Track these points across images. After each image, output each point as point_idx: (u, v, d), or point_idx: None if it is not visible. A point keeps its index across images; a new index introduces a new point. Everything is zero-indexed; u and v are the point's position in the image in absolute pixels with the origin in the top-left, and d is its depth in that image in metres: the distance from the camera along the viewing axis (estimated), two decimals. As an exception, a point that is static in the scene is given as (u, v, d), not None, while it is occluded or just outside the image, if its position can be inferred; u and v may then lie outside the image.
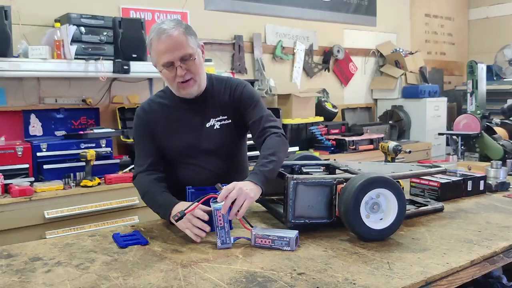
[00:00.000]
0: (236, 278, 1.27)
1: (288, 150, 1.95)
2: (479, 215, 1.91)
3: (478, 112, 3.37)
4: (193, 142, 1.88)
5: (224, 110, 1.91)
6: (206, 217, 1.58)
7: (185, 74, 1.77)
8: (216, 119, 1.90)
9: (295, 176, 1.65)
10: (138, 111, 1.94)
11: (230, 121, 1.91)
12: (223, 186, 1.59)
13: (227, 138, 1.92)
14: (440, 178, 2.23)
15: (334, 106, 5.08)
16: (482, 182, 2.28)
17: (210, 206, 1.55)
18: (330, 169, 2.08)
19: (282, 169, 1.89)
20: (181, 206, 1.66)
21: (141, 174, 1.88)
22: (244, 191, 1.54)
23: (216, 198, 1.54)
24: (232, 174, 1.88)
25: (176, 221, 1.58)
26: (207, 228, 1.58)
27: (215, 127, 1.90)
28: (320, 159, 2.22)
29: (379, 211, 1.60)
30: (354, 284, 1.23)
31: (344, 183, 1.64)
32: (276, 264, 1.38)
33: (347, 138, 4.56)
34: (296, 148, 4.26)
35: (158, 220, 1.90)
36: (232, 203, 1.53)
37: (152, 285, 1.24)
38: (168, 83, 1.85)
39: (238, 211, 1.53)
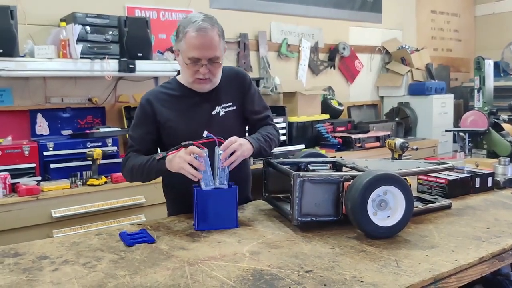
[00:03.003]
0: (243, 276, 1.27)
1: (293, 148, 2.07)
2: (487, 212, 1.89)
3: (486, 108, 3.35)
4: (199, 131, 1.88)
5: (229, 97, 1.96)
6: (203, 154, 1.67)
7: (206, 74, 1.83)
8: (221, 106, 1.95)
9: (301, 173, 1.64)
10: (142, 101, 1.95)
11: (235, 107, 1.97)
12: (209, 135, 1.72)
13: (231, 124, 1.96)
14: (448, 175, 2.22)
15: (340, 104, 5.06)
16: (490, 179, 2.27)
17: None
18: (336, 166, 2.07)
19: (288, 166, 1.89)
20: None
21: (126, 159, 1.93)
22: (242, 148, 1.74)
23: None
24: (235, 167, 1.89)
25: (158, 160, 1.73)
26: (203, 168, 1.67)
27: (220, 114, 1.94)
28: (326, 157, 2.21)
29: (386, 209, 1.59)
30: (361, 281, 1.23)
31: (351, 181, 1.63)
32: (283, 262, 1.37)
33: (353, 136, 4.54)
34: (302, 146, 4.24)
35: (165, 218, 1.91)
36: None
37: (159, 283, 1.23)
38: (186, 74, 1.88)
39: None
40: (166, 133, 1.93)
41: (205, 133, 1.72)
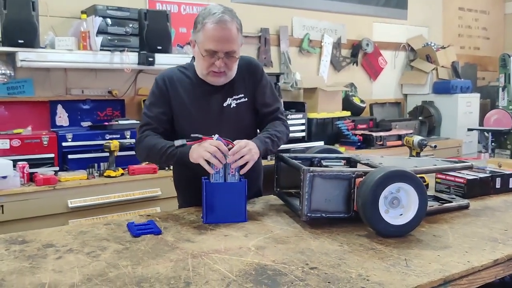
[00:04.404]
0: (245, 271, 1.24)
1: (311, 145, 2.01)
2: (507, 213, 1.82)
3: (510, 107, 3.24)
4: (210, 123, 1.86)
5: (241, 89, 1.92)
6: (227, 152, 1.66)
7: (222, 67, 1.79)
8: (233, 98, 1.90)
9: (311, 168, 1.60)
10: (158, 80, 1.90)
11: (246, 99, 1.92)
12: (218, 138, 1.69)
13: (243, 116, 1.92)
14: (467, 174, 2.14)
15: (362, 101, 4.98)
16: (511, 180, 2.18)
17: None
18: (351, 162, 2.02)
19: (300, 161, 1.85)
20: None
21: (142, 137, 1.86)
22: (252, 152, 1.70)
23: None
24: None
25: (177, 147, 1.68)
26: (224, 161, 1.66)
27: (231, 106, 1.90)
28: (341, 153, 2.16)
29: (399, 206, 1.54)
30: (367, 280, 1.18)
31: (363, 177, 1.58)
32: (288, 257, 1.34)
33: (374, 134, 4.47)
34: (321, 143, 4.17)
35: (175, 210, 1.89)
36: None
37: (160, 275, 1.22)
38: (201, 66, 1.83)
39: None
40: (176, 118, 1.89)
41: (215, 136, 1.69)
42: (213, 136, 1.69)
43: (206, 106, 1.88)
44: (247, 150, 1.69)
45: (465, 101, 5.33)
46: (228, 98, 1.90)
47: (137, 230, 1.58)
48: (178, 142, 1.69)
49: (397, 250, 1.40)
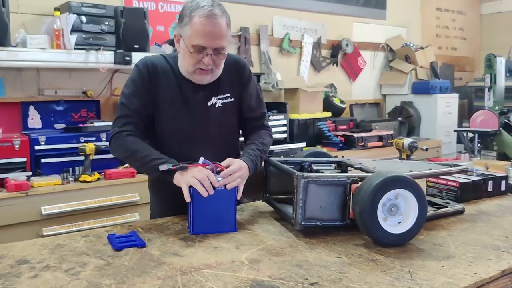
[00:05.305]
0: (241, 288, 1.15)
1: (294, 146, 1.96)
2: (503, 218, 1.77)
3: (496, 108, 3.22)
4: (193, 123, 1.74)
5: (227, 88, 1.80)
6: (217, 184, 1.55)
7: (210, 65, 1.67)
8: (218, 97, 1.79)
9: (305, 174, 1.52)
10: (140, 66, 1.73)
11: (233, 99, 1.82)
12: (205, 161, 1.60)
13: (228, 118, 1.81)
14: (459, 177, 2.09)
15: (342, 102, 4.94)
16: (503, 182, 2.14)
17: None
18: (342, 167, 1.95)
19: (291, 166, 1.77)
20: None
21: (123, 132, 1.71)
22: (243, 175, 1.62)
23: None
24: None
25: (161, 171, 1.57)
26: (211, 191, 1.54)
27: (216, 106, 1.78)
28: (330, 156, 2.08)
29: (397, 214, 1.47)
30: (373, 296, 1.10)
31: (359, 183, 1.50)
32: (285, 272, 1.24)
33: (355, 135, 4.42)
34: (303, 144, 4.11)
35: (157, 219, 1.78)
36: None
37: (147, 295, 1.11)
38: (188, 63, 1.68)
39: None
40: (157, 115, 1.75)
41: (201, 160, 1.59)
42: (200, 161, 1.59)
43: (189, 104, 1.75)
44: (239, 175, 1.61)
45: (444, 101, 5.35)
46: (213, 97, 1.77)
47: (119, 243, 1.46)
48: (163, 167, 1.58)
49: (399, 261, 1.33)
